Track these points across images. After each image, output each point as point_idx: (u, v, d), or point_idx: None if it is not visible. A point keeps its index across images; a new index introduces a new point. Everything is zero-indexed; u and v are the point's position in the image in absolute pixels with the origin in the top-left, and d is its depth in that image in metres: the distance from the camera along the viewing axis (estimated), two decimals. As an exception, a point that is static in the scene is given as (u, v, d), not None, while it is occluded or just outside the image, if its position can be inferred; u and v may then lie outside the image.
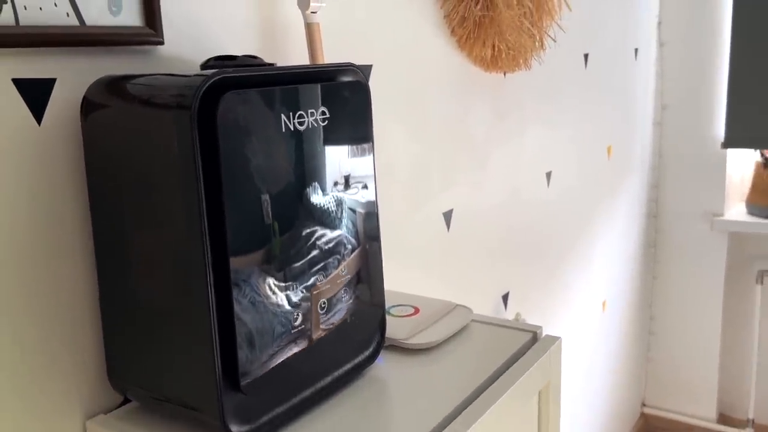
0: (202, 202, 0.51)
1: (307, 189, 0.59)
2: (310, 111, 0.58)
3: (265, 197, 0.54)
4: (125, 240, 0.58)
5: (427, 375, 0.70)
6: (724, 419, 2.54)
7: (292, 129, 0.56)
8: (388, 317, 0.81)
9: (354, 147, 0.64)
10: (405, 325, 0.78)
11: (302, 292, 0.59)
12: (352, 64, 0.64)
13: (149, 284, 0.57)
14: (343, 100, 0.62)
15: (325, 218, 0.61)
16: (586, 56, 1.75)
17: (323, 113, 0.59)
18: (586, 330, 1.98)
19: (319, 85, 0.59)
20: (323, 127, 0.60)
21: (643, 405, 2.62)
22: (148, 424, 0.62)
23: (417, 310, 0.82)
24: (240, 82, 0.53)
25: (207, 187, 0.51)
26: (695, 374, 2.50)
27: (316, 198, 0.60)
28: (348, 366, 0.67)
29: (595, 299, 2.02)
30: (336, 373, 0.66)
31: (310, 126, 0.58)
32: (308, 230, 0.59)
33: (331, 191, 0.61)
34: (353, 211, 0.64)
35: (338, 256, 0.63)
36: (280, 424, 0.60)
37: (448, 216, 1.21)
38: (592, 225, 1.93)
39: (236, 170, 0.52)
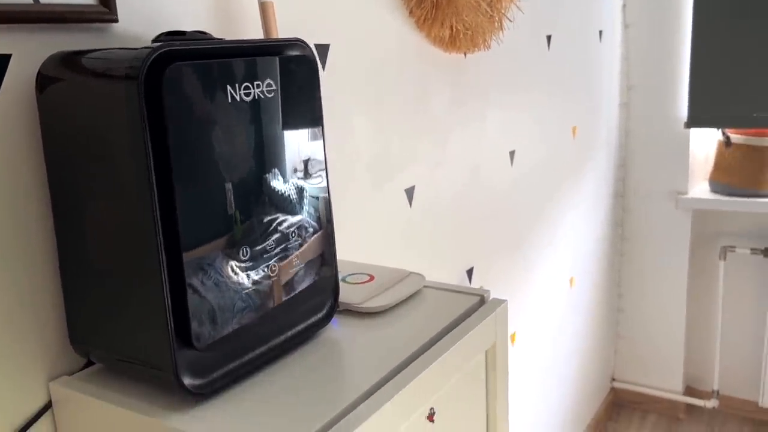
0: (151, 170, 0.54)
1: (266, 170, 0.62)
2: (256, 83, 0.61)
3: (220, 169, 0.58)
4: (82, 209, 0.61)
5: (379, 335, 0.74)
6: (690, 391, 2.62)
7: (239, 99, 0.60)
8: (344, 284, 0.84)
9: (304, 126, 0.68)
10: (360, 291, 0.82)
11: (263, 271, 0.63)
12: (299, 39, 0.67)
13: (105, 252, 0.60)
14: (290, 73, 0.65)
15: (286, 203, 0.64)
16: (548, 38, 1.79)
17: (269, 85, 0.62)
18: (554, 305, 2.04)
19: (264, 58, 0.62)
20: (271, 98, 0.63)
21: (613, 380, 2.69)
22: (110, 385, 0.65)
23: (372, 278, 0.86)
24: (186, 54, 0.56)
25: (156, 156, 0.54)
26: (662, 348, 2.57)
27: (276, 183, 0.63)
28: (302, 326, 0.71)
29: (562, 276, 2.07)
30: (290, 333, 0.69)
31: (256, 97, 0.61)
32: (269, 216, 0.62)
33: (291, 176, 0.65)
34: (311, 195, 0.68)
35: (299, 239, 0.67)
36: (234, 379, 0.63)
37: (410, 192, 1.25)
38: (558, 203, 1.98)
39: (185, 141, 0.55)
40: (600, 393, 2.57)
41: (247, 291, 0.62)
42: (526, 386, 1.90)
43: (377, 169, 1.16)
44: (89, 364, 0.70)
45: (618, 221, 2.53)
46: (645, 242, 2.53)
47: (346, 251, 1.10)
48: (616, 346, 2.67)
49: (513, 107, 1.63)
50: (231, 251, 0.60)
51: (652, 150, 2.45)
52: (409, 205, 1.25)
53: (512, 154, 1.65)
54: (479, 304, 0.82)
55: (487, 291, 0.83)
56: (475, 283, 1.54)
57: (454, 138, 1.38)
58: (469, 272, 1.51)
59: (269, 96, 0.63)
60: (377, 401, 0.60)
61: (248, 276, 0.62)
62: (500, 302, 0.82)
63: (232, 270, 0.60)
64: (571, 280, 2.14)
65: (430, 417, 0.69)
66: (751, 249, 2.37)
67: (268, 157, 0.63)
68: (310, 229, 0.69)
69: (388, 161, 1.18)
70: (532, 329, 1.89)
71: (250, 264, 0.62)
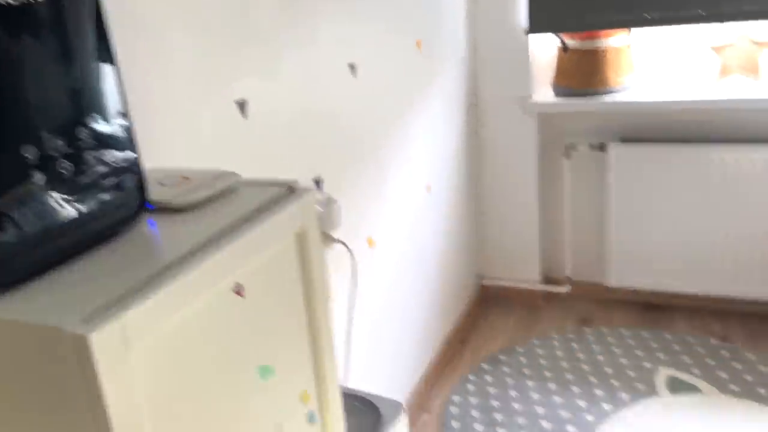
0: None
1: (55, 83, 0.65)
2: (19, -14, 0.63)
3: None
4: None
5: (191, 225, 0.81)
6: (547, 279, 2.88)
7: (4, 3, 0.62)
8: (161, 187, 0.90)
9: (94, 38, 0.70)
10: (175, 191, 0.88)
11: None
12: (68, -55, 0.69)
13: None
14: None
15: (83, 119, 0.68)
16: (382, -49, 1.84)
17: (37, -10, 0.65)
18: (412, 211, 2.17)
19: (26, -38, 0.64)
20: (44, 6, 0.65)
21: (481, 278, 2.91)
22: None
23: (187, 179, 0.91)
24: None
25: None
26: (521, 245, 2.81)
27: (75, 104, 0.66)
28: (110, 221, 0.76)
29: (418, 183, 2.20)
30: (99, 228, 0.74)
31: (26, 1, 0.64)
32: (68, 132, 0.66)
33: (86, 94, 0.68)
34: (110, 111, 0.71)
35: (102, 154, 0.72)
36: (38, 270, 0.68)
37: (242, 104, 1.30)
38: (408, 114, 2.08)
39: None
40: (468, 291, 2.78)
41: (44, 199, 0.66)
42: (390, 286, 2.04)
43: (201, 83, 1.19)
44: None
45: (473, 130, 2.69)
46: (499, 147, 2.70)
47: (176, 163, 1.14)
48: (481, 247, 2.88)
49: (348, 20, 1.68)
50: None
51: (498, 59, 2.59)
52: (242, 117, 1.30)
53: (352, 66, 1.72)
54: (288, 192, 0.90)
55: (295, 181, 0.91)
56: (325, 192, 1.62)
57: (286, 51, 1.43)
58: (317, 181, 1.59)
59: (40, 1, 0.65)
60: (179, 270, 0.67)
61: (44, 182, 0.66)
62: (307, 189, 0.90)
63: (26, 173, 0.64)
64: (428, 187, 2.28)
65: (239, 291, 0.77)
66: (590, 145, 2.60)
67: (57, 71, 0.66)
68: (111, 142, 0.73)
69: (213, 74, 1.22)
70: (390, 233, 2.01)
71: (43, 166, 0.66)
